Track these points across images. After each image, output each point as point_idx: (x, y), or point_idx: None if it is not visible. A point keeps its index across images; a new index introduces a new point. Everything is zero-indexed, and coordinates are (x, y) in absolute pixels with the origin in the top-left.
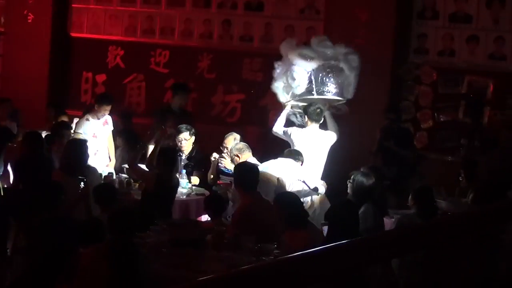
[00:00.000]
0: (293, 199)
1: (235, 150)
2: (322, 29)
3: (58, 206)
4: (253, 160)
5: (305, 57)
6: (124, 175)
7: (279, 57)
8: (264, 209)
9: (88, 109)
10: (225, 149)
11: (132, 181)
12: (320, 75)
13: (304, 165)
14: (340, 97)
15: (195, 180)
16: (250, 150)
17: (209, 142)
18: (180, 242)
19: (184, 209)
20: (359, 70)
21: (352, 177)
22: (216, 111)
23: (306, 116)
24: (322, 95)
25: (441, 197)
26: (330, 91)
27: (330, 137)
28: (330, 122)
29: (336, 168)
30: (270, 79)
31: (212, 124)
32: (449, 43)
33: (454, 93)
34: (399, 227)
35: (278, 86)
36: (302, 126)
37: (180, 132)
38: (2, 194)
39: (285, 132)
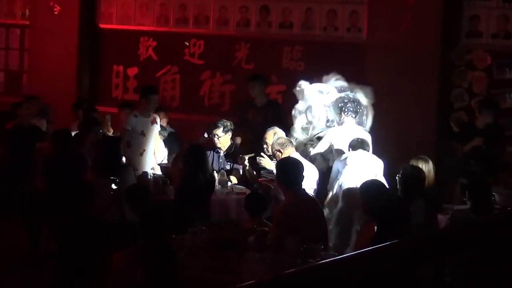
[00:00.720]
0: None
1: (276, 145)
2: (367, 14)
3: (90, 209)
4: (296, 155)
5: (322, 92)
6: (159, 174)
7: (321, 45)
8: (310, 207)
9: (133, 105)
10: (265, 144)
11: (168, 180)
12: (339, 105)
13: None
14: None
15: (233, 179)
16: (294, 145)
17: None
18: (220, 243)
19: (224, 209)
20: (373, 101)
21: (401, 171)
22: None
23: (341, 112)
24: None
25: (497, 190)
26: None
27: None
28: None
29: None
30: (312, 68)
31: None
32: (503, 25)
33: (510, 78)
34: (451, 224)
35: (296, 128)
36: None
37: (214, 127)
38: (33, 195)
39: (320, 144)
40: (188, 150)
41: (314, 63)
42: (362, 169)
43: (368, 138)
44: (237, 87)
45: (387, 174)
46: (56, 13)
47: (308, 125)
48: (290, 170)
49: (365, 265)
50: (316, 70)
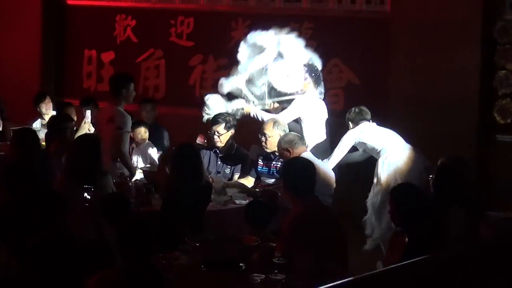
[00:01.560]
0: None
1: (284, 143)
2: None
3: (59, 222)
4: (308, 155)
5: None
6: (141, 179)
7: (335, 21)
8: (324, 218)
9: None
10: (264, 136)
11: (153, 188)
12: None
13: None
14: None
15: (248, 180)
16: (305, 142)
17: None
18: (216, 263)
19: (221, 222)
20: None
21: (435, 172)
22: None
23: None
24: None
25: None
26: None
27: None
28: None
29: None
30: (325, 47)
31: None
32: None
33: None
34: (497, 235)
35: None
36: None
37: (214, 123)
38: None
39: (288, 112)
40: (177, 150)
41: (326, 43)
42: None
43: (325, 108)
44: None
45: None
46: None
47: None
48: (299, 173)
49: (394, 284)
50: (328, 51)
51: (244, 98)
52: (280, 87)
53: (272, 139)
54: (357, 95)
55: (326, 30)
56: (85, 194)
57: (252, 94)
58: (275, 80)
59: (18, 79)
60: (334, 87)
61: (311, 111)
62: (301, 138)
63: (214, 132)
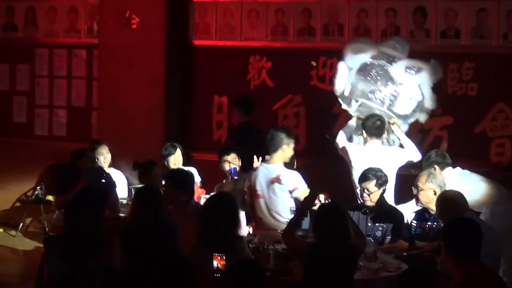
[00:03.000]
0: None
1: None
2: None
3: None
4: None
5: (355, 50)
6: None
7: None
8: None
9: None
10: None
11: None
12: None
13: None
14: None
15: (402, 245)
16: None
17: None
18: None
19: None
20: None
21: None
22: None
23: (364, 131)
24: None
25: None
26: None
27: (398, 154)
28: (402, 139)
29: None
30: (489, 89)
31: None
32: None
33: None
34: None
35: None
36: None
37: (364, 179)
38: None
39: (341, 149)
40: (321, 210)
41: (490, 84)
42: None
43: (403, 154)
44: None
45: None
46: (134, 26)
47: None
48: (465, 234)
49: None
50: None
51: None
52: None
53: (424, 193)
54: None
55: (489, 69)
56: (215, 263)
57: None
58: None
59: (140, 129)
60: (499, 136)
61: (362, 160)
62: (462, 196)
63: (364, 190)
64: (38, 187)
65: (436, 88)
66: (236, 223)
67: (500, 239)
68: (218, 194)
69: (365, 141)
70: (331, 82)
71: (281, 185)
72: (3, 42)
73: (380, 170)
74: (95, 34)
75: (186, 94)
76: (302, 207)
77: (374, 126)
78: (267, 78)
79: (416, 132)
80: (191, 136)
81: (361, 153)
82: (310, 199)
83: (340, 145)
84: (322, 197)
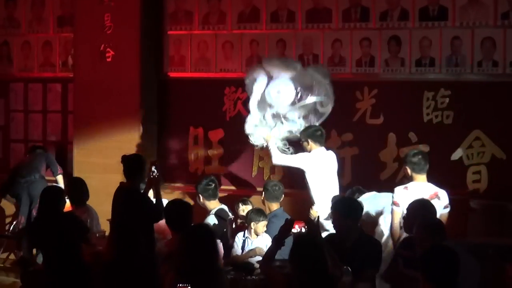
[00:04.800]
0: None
1: None
2: None
3: None
4: None
5: (287, 65)
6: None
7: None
8: None
9: None
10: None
11: None
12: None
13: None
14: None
15: None
16: None
17: None
18: None
19: None
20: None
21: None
22: (385, 174)
23: (308, 141)
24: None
25: None
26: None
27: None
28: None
29: None
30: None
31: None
32: None
33: None
34: None
35: (254, 111)
36: None
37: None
38: None
39: (290, 159)
40: (297, 243)
41: (466, 113)
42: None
43: (333, 156)
44: (361, 151)
45: None
46: (109, 60)
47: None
48: (444, 264)
49: None
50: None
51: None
52: (276, 104)
53: None
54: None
55: (465, 97)
56: None
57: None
58: (270, 99)
59: (117, 158)
60: (475, 163)
61: (315, 167)
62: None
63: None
64: (14, 222)
65: (412, 116)
66: (215, 255)
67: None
68: (196, 226)
69: (310, 150)
70: None
71: None
72: None
73: None
74: (70, 68)
75: (162, 126)
76: (278, 236)
77: (315, 134)
78: (242, 109)
79: (392, 161)
80: (168, 168)
81: (313, 161)
82: (286, 228)
83: (285, 161)
84: (297, 226)
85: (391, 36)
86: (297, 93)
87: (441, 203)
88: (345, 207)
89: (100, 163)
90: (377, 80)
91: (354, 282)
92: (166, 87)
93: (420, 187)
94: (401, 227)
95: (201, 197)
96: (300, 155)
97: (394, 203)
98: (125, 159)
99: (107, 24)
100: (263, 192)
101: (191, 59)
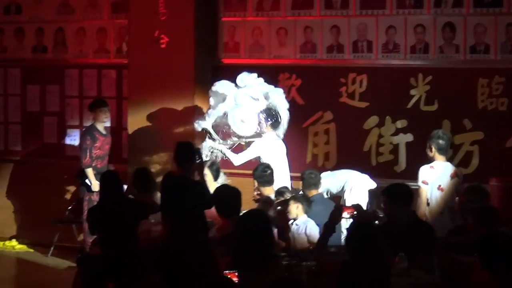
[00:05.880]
0: None
1: None
2: None
3: None
4: None
5: (253, 98)
6: None
7: None
8: None
9: None
10: None
11: None
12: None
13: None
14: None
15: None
16: None
17: None
18: None
19: None
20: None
21: None
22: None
23: (266, 124)
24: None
25: None
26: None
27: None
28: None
29: None
30: None
31: None
32: None
33: None
34: None
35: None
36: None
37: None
38: None
39: (247, 154)
40: (354, 228)
41: None
42: None
43: (283, 147)
44: (416, 138)
45: None
46: (163, 46)
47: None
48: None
49: None
50: None
51: (212, 138)
52: (238, 131)
53: None
54: None
55: None
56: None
57: (217, 135)
58: (233, 125)
59: (171, 145)
60: None
61: (269, 151)
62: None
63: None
64: (69, 207)
65: (467, 103)
66: (271, 241)
67: None
68: (252, 211)
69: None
70: (361, 98)
71: None
72: (33, 63)
73: None
74: (124, 54)
75: None
76: (328, 223)
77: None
78: (296, 96)
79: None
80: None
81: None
82: (336, 214)
83: (246, 157)
84: (345, 213)
85: (446, 23)
86: (259, 123)
87: (460, 180)
88: (395, 193)
89: (153, 149)
90: (431, 67)
91: (408, 269)
92: (220, 73)
93: (444, 167)
94: (428, 204)
95: (256, 183)
96: (253, 144)
97: (423, 182)
98: (179, 146)
99: (162, 10)
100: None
101: (245, 46)
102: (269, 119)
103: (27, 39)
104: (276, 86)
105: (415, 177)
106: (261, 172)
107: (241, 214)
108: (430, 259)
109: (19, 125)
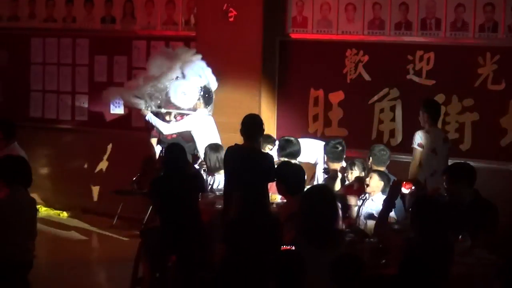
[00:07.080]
0: None
1: None
2: None
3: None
4: None
5: (198, 74)
6: None
7: None
8: None
9: None
10: None
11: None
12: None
13: None
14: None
15: None
16: None
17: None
18: None
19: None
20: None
21: None
22: (505, 141)
23: (200, 99)
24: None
25: None
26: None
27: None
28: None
29: None
30: None
31: (498, 160)
32: None
33: None
34: None
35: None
36: None
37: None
38: None
39: (178, 125)
40: (419, 203)
41: None
42: None
43: (213, 123)
44: (482, 117)
45: None
46: (231, 20)
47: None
48: None
49: None
50: None
51: (145, 102)
52: (176, 102)
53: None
54: None
55: None
56: None
57: (152, 101)
58: (173, 95)
59: (237, 117)
60: None
61: (201, 126)
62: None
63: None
64: (134, 179)
65: None
66: (336, 217)
67: None
68: (317, 187)
69: (197, 107)
70: (428, 76)
71: None
72: (101, 34)
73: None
74: (192, 27)
75: (282, 86)
76: (388, 198)
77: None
78: (363, 72)
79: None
80: (286, 129)
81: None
82: (395, 189)
83: (176, 129)
84: (403, 188)
85: None
86: (199, 97)
87: (448, 145)
88: (457, 170)
89: (221, 122)
90: (499, 46)
91: (471, 248)
92: (288, 48)
93: (437, 132)
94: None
95: (325, 157)
96: (186, 118)
97: (418, 145)
98: (246, 119)
99: None
100: (370, 157)
101: (313, 21)
102: (206, 96)
103: (96, 10)
104: (343, 61)
105: (480, 157)
106: (331, 147)
107: (305, 189)
108: (491, 239)
109: (86, 95)
